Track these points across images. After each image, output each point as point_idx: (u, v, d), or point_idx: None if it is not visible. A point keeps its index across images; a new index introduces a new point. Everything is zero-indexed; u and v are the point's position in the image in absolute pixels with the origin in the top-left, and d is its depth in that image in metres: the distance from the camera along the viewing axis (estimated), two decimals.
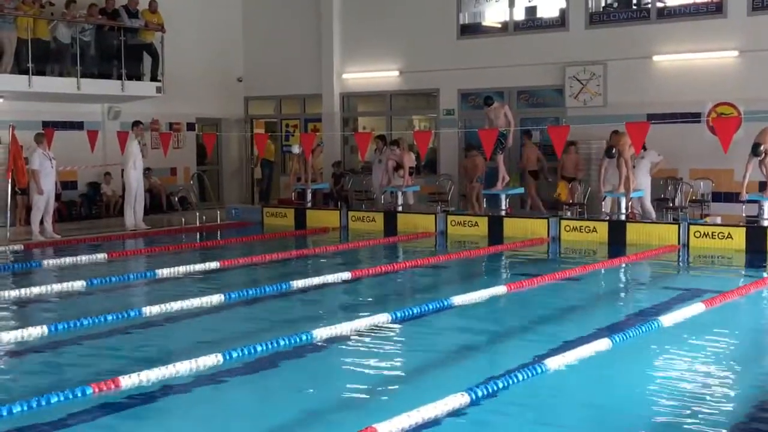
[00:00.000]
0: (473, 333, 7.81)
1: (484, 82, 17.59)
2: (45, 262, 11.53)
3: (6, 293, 9.15)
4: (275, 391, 6.11)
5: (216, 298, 8.54)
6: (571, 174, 15.61)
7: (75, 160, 16.78)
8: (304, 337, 7.00)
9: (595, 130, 15.41)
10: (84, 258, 11.71)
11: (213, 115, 20.61)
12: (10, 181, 14.21)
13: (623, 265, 11.64)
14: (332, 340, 7.19)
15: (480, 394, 5.42)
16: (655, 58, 15.86)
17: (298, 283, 9.54)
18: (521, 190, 16.04)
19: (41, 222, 14.43)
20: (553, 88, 17.10)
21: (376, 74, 19.17)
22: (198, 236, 15.44)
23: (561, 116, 16.77)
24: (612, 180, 14.76)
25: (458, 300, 8.56)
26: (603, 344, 6.64)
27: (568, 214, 15.03)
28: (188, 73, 18.97)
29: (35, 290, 9.31)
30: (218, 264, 11.06)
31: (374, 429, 4.70)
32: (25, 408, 5.16)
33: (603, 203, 14.50)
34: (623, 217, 13.82)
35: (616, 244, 13.22)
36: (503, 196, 15.17)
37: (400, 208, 15.96)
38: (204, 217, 16.62)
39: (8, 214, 14.55)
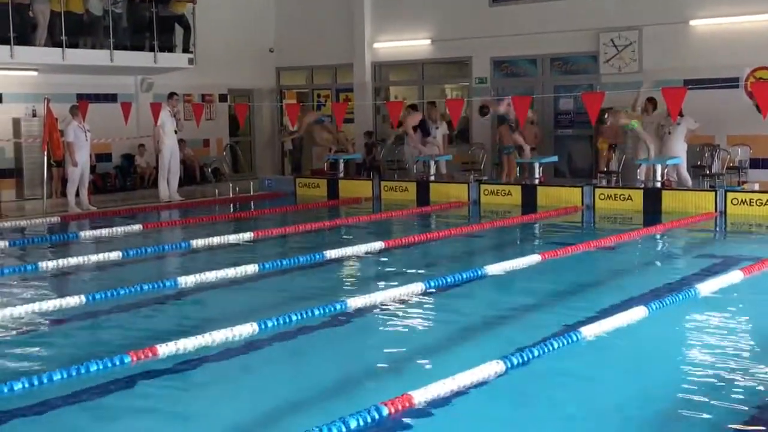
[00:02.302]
0: (507, 302, 7.78)
1: (517, 49, 17.42)
2: (81, 233, 11.67)
3: (44, 264, 9.27)
4: (310, 360, 6.14)
5: (250, 269, 8.59)
6: (610, 141, 15.43)
7: (109, 132, 16.88)
8: (338, 307, 7.03)
9: (631, 97, 15.18)
10: (120, 229, 11.82)
11: (245, 86, 20.63)
12: (46, 153, 14.34)
13: (659, 234, 11.53)
14: (366, 310, 7.20)
15: (515, 362, 5.40)
16: (692, 22, 15.57)
17: (332, 253, 9.56)
18: (555, 158, 15.91)
19: (77, 194, 14.58)
20: (586, 55, 16.89)
21: (408, 43, 19.03)
22: (231, 207, 15.52)
23: (595, 83, 16.56)
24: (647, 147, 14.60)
25: (492, 269, 8.53)
26: (639, 312, 6.59)
27: (603, 182, 14.90)
28: (220, 45, 18.97)
29: (72, 261, 9.44)
30: (252, 235, 11.14)
31: (410, 396, 4.72)
32: (65, 376, 5.24)
33: (638, 171, 14.35)
34: (659, 185, 13.67)
35: (652, 212, 13.09)
36: (537, 165, 15.06)
37: (432, 178, 15.90)
38: (237, 189, 16.70)
39: (45, 187, 14.70)
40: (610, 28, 16.31)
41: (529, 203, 14.19)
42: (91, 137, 14.75)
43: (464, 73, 18.70)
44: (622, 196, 13.66)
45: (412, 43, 18.98)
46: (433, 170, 15.98)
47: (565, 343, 5.85)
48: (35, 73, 16.32)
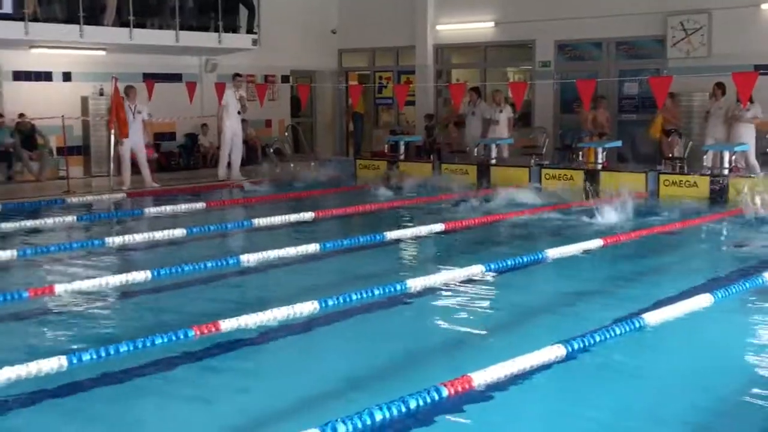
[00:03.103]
0: (568, 286, 7.73)
1: (582, 32, 17.18)
2: (146, 210, 11.86)
3: (110, 239, 9.47)
4: (369, 339, 6.17)
5: (312, 248, 8.66)
6: (671, 126, 15.17)
7: (173, 111, 17.12)
8: (398, 287, 7.05)
9: (698, 82, 14.88)
10: (183, 207, 12.01)
11: (307, 68, 20.72)
12: (112, 131, 14.59)
13: (725, 220, 11.29)
14: (426, 291, 7.21)
15: (576, 346, 5.36)
16: (764, 6, 15.19)
17: (392, 234, 9.59)
18: (619, 143, 15.66)
19: (139, 173, 14.92)
20: (653, 39, 16.58)
21: (471, 25, 18.90)
22: (293, 187, 15.59)
23: (661, 68, 16.26)
24: (714, 133, 14.30)
25: (553, 253, 8.46)
26: (704, 300, 6.48)
27: (670, 168, 14.64)
28: (283, 26, 19.08)
29: (138, 237, 9.62)
30: (313, 214, 11.22)
31: (469, 378, 4.72)
32: (131, 348, 5.35)
33: (704, 157, 14.07)
34: (726, 172, 13.37)
35: (718, 199, 12.82)
36: (600, 150, 14.85)
37: (493, 161, 15.80)
38: (298, 169, 16.83)
39: (110, 164, 14.98)
40: (678, 12, 15.99)
41: (591, 188, 14.00)
42: (142, 117, 14.88)
43: (527, 56, 18.51)
44: (687, 183, 13.41)
45: (475, 26, 18.84)
46: (494, 153, 15.87)
47: (628, 329, 5.78)
48: (103, 53, 16.61)
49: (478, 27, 18.80)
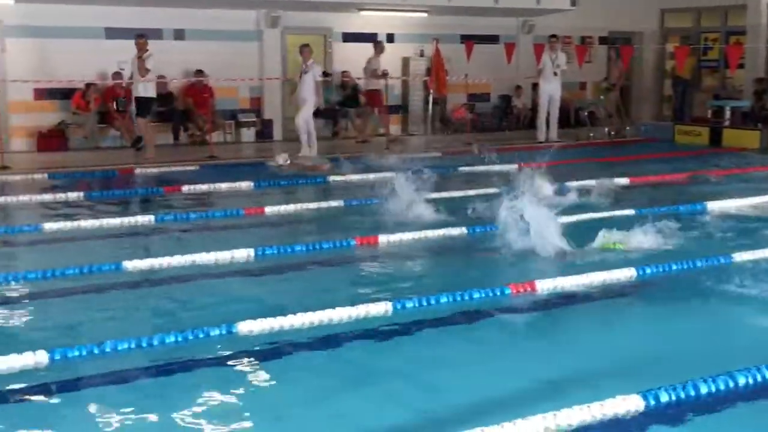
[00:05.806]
0: None
1: None
2: (460, 168, 12.12)
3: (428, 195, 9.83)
4: (679, 316, 5.81)
5: (627, 212, 8.50)
6: None
7: (489, 72, 17.32)
8: (721, 260, 6.68)
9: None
10: (496, 168, 12.13)
11: (626, 29, 20.01)
12: (432, 91, 15.07)
13: None
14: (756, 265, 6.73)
15: None
16: None
17: (715, 205, 9.08)
18: None
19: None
20: None
21: None
22: (607, 151, 15.22)
23: None
24: None
25: None
26: None
27: None
28: None
29: (454, 194, 9.95)
30: (627, 180, 10.92)
31: None
32: (450, 300, 5.58)
33: None
34: None
35: None
36: None
37: None
38: (612, 133, 16.42)
39: (427, 123, 15.51)
40: None
41: None
42: (308, 77, 14.16)
43: None
44: None
45: None
46: None
47: None
48: (425, 15, 17.17)
49: None
